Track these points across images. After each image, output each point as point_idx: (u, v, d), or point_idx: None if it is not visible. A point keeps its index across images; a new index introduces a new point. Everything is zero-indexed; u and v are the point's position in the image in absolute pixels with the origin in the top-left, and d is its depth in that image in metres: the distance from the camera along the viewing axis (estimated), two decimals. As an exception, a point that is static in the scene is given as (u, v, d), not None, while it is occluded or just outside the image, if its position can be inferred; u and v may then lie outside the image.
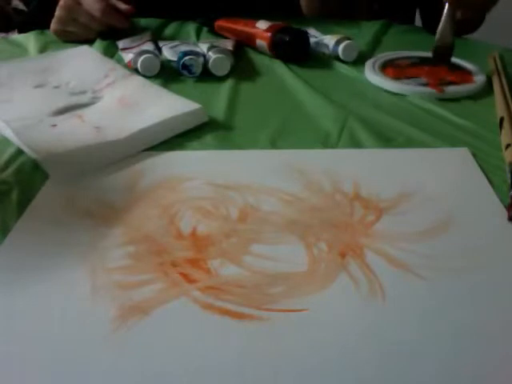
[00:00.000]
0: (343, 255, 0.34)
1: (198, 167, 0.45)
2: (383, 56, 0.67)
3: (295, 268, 0.33)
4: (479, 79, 0.59)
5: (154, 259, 0.34)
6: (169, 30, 0.82)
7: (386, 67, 0.63)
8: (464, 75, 0.61)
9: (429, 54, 0.63)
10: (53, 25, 0.75)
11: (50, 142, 0.47)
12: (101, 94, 0.56)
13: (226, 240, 0.36)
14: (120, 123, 0.50)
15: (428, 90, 0.58)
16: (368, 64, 0.64)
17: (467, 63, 0.63)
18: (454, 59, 0.63)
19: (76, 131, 0.49)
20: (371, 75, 0.62)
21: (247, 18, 0.74)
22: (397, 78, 0.60)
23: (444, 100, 0.56)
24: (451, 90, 0.58)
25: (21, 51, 0.74)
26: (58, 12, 0.74)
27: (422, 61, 0.65)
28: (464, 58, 0.64)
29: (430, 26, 0.73)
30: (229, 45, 0.70)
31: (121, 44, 0.71)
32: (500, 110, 0.51)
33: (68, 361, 0.28)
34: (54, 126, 0.50)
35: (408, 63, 0.65)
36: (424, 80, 0.59)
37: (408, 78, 0.60)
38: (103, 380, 0.27)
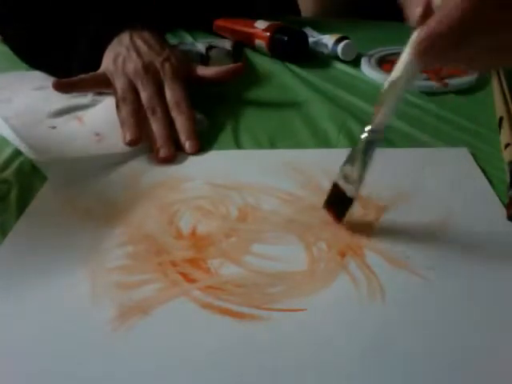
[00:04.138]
0: (343, 255, 0.34)
1: (198, 167, 0.45)
2: (374, 53, 0.67)
3: (295, 267, 0.33)
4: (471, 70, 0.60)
5: (154, 259, 0.34)
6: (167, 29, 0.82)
7: (381, 64, 0.64)
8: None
9: None
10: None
11: (49, 146, 0.46)
12: (101, 97, 0.56)
13: (225, 240, 0.36)
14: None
15: (432, 83, 0.58)
16: (364, 62, 0.64)
17: None
18: None
19: (76, 135, 0.49)
20: (373, 73, 0.62)
21: (246, 18, 0.74)
22: None
23: (444, 99, 0.57)
24: (454, 82, 0.58)
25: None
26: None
27: None
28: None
29: None
30: (227, 45, 0.70)
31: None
32: (499, 110, 0.51)
33: (68, 361, 0.28)
34: (54, 127, 0.50)
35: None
36: (424, 75, 0.59)
37: None
38: (103, 380, 0.27)
